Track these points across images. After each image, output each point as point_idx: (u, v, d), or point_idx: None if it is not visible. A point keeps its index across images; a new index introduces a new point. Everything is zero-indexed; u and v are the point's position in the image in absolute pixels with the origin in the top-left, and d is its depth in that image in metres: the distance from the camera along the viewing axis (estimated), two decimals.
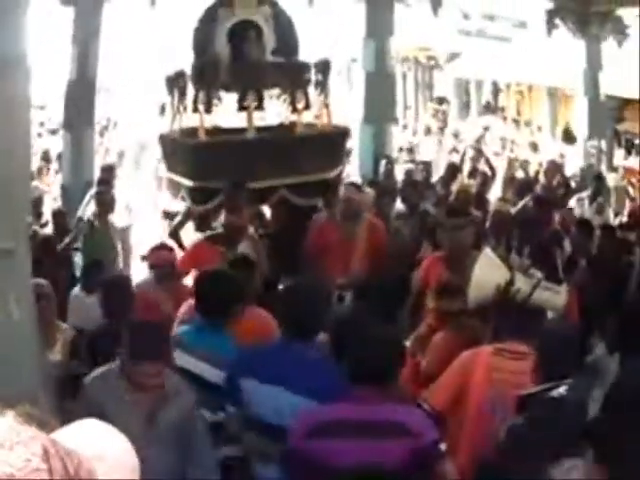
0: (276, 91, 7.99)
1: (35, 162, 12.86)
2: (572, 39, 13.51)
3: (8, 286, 4.25)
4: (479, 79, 23.81)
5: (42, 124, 18.37)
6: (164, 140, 8.26)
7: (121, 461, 1.65)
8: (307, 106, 7.99)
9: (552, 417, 3.23)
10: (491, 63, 20.35)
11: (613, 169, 13.92)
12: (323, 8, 14.51)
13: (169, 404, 3.65)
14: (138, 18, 16.34)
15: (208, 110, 7.67)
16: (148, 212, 10.20)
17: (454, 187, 9.97)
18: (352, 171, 11.85)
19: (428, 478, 3.37)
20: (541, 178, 11.75)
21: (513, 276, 4.47)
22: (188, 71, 7.81)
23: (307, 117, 8.20)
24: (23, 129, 4.41)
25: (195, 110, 7.71)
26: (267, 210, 8.28)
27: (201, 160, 7.61)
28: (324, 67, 8.07)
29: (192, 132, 7.79)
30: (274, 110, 8.55)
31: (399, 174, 11.41)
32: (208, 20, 7.97)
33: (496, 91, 24.48)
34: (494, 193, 10.95)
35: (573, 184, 11.75)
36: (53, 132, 17.25)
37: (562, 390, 3.32)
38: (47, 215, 10.19)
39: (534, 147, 16.77)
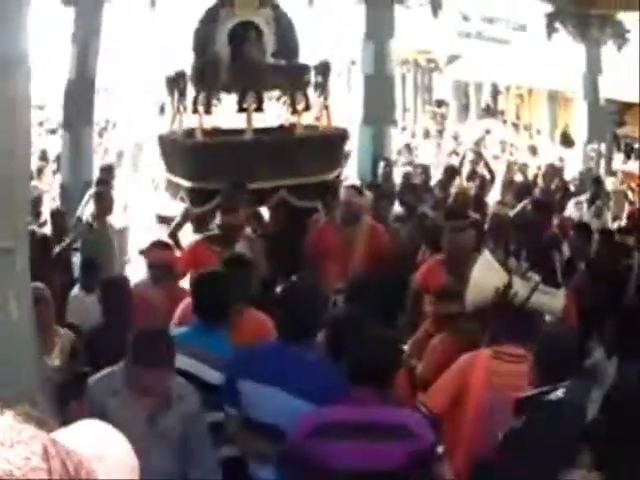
0: (276, 93, 8.01)
1: (33, 162, 12.83)
2: (572, 42, 13.50)
3: (8, 285, 4.26)
4: (478, 82, 23.82)
5: (41, 124, 18.34)
6: (163, 141, 8.26)
7: (121, 461, 1.65)
8: (307, 108, 8.00)
9: (550, 420, 3.24)
10: (490, 66, 20.38)
11: (612, 173, 13.93)
12: (323, 10, 14.52)
13: (171, 407, 3.65)
14: (138, 18, 16.36)
15: (208, 111, 7.68)
16: (145, 213, 10.18)
17: (452, 190, 9.96)
18: (350, 173, 11.83)
19: None
20: (540, 182, 11.72)
21: (511, 279, 4.46)
22: (188, 72, 7.81)
23: (307, 119, 8.21)
24: (24, 129, 4.40)
25: (195, 111, 7.71)
26: (265, 211, 8.28)
27: (200, 161, 7.61)
28: (324, 69, 8.08)
29: (191, 133, 7.79)
30: (274, 112, 8.55)
31: (397, 177, 11.40)
32: (209, 21, 7.97)
33: (495, 94, 24.51)
34: (493, 196, 10.94)
35: (572, 188, 11.75)
36: (52, 132, 17.24)
37: (560, 393, 3.33)
38: (46, 215, 10.17)
39: (533, 150, 16.76)
